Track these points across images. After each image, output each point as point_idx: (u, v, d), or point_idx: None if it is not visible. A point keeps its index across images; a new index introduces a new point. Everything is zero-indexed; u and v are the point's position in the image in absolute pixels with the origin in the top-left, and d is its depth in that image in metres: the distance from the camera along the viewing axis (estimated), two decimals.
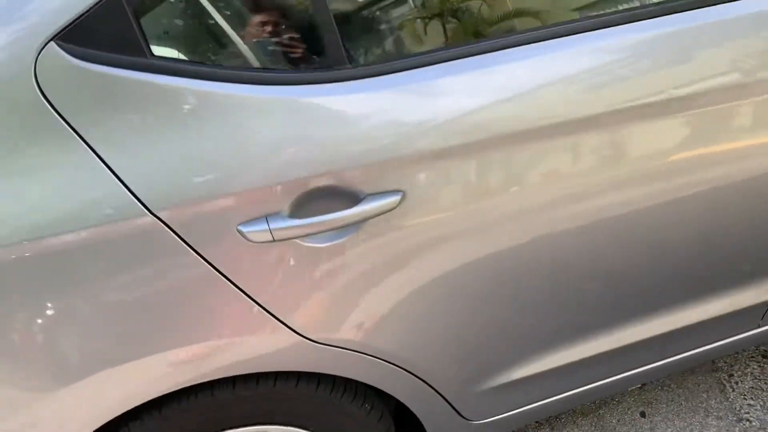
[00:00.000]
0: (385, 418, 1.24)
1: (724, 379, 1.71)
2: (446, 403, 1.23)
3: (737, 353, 1.73)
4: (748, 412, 1.59)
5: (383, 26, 1.30)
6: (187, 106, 0.90)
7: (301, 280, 0.98)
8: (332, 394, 1.13)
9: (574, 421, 1.68)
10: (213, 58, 1.02)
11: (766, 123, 1.11)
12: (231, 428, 1.11)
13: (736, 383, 1.69)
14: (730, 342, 1.43)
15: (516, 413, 1.34)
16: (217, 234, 0.92)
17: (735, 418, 1.58)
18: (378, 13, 1.29)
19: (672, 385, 1.72)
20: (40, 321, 0.89)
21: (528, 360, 1.25)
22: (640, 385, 1.74)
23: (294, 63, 1.00)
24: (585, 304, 1.21)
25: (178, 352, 0.96)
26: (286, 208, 0.93)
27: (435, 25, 1.23)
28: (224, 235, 0.92)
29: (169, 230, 0.89)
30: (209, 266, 0.92)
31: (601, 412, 1.70)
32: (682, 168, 1.10)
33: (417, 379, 1.15)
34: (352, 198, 0.95)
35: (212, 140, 0.89)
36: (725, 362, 1.75)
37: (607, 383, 1.37)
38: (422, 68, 0.97)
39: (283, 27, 1.01)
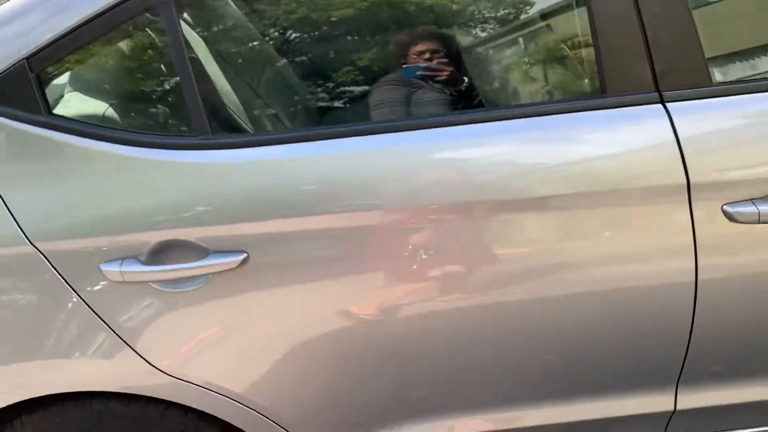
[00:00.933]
0: None
1: None
2: None
3: None
4: None
5: None
6: (72, 159, 1.07)
7: (153, 318, 1.11)
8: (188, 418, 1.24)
9: None
10: (104, 119, 1.20)
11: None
12: None
13: None
14: None
15: None
16: (83, 268, 1.08)
17: None
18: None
19: None
20: None
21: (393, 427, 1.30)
22: None
23: (163, 127, 1.15)
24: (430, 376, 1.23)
25: (45, 362, 1.12)
26: (143, 254, 1.07)
27: None
28: (89, 270, 1.08)
29: (45, 259, 1.06)
30: (75, 294, 1.08)
31: None
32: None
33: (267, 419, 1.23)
34: (201, 253, 1.08)
35: (92, 190, 1.06)
36: None
37: None
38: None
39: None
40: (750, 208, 1.07)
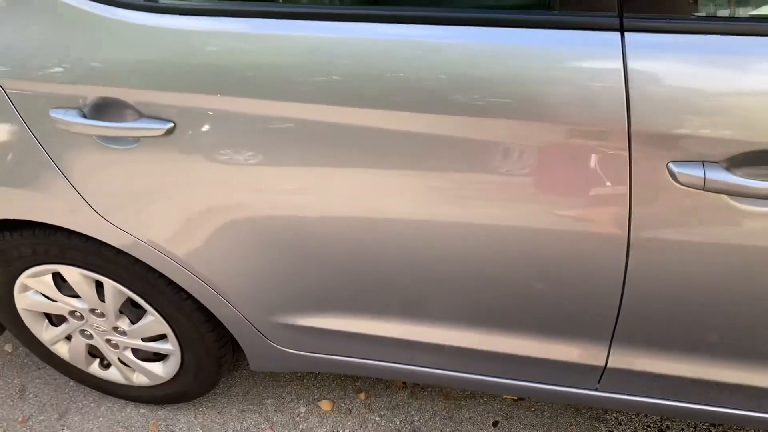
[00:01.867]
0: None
1: (593, 426, 1.59)
2: (247, 323, 1.39)
3: (633, 416, 1.58)
4: None
5: None
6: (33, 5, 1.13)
7: (97, 170, 1.20)
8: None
9: (434, 398, 1.70)
10: None
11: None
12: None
13: None
14: (564, 391, 1.35)
15: (321, 357, 1.46)
16: (38, 110, 1.16)
17: None
18: None
19: (545, 414, 1.65)
20: None
21: (324, 313, 1.34)
22: (516, 398, 1.69)
23: None
24: (367, 279, 1.24)
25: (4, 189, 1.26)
26: (86, 107, 1.13)
27: None
28: (42, 113, 1.16)
29: (3, 91, 1.16)
30: (30, 132, 1.18)
31: (463, 403, 1.69)
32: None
33: (203, 284, 1.32)
34: (135, 115, 1.12)
35: (47, 37, 1.12)
36: (615, 418, 1.62)
37: (413, 371, 1.41)
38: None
39: None
40: (696, 171, 0.92)
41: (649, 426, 1.59)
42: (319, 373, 1.81)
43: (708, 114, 0.90)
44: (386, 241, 1.15)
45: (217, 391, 1.80)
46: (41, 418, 1.78)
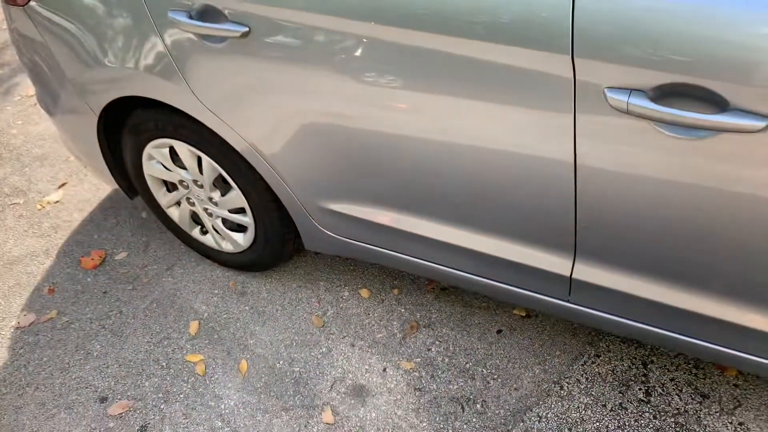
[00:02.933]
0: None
1: (586, 353, 1.76)
2: (299, 205, 1.75)
3: (623, 346, 1.75)
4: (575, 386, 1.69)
5: None
6: None
7: (197, 63, 1.58)
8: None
9: (453, 304, 1.93)
10: None
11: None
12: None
13: (592, 362, 1.74)
14: (538, 299, 1.56)
15: (355, 243, 1.78)
16: (160, 11, 1.57)
17: (558, 386, 1.70)
18: None
19: (545, 332, 1.85)
20: None
21: (367, 205, 1.66)
22: (524, 314, 1.90)
23: None
24: (422, 187, 1.50)
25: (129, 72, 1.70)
26: (192, 11, 1.52)
27: None
28: (163, 13, 1.57)
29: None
30: (155, 28, 1.60)
31: (477, 311, 1.94)
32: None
33: (268, 167, 1.68)
34: (221, 17, 1.48)
35: None
36: (606, 346, 1.78)
37: (437, 270, 1.69)
38: None
39: None
40: (623, 97, 1.10)
41: (634, 358, 1.74)
42: (366, 267, 2.14)
43: (638, 44, 1.06)
44: (424, 155, 1.42)
45: (285, 269, 2.20)
46: (155, 267, 2.30)
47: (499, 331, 1.87)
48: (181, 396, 1.85)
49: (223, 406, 1.81)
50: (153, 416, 1.81)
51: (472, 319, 1.92)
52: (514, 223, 1.44)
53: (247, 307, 2.09)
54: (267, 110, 1.56)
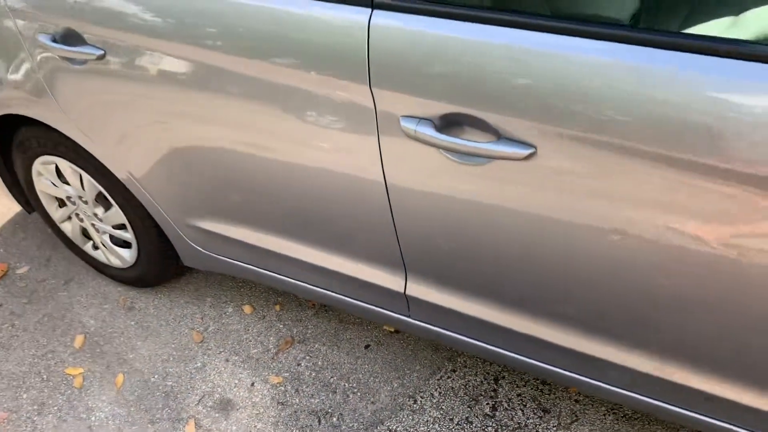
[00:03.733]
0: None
1: (444, 368, 1.83)
2: (169, 222, 1.80)
3: (479, 362, 1.81)
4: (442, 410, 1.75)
5: None
6: None
7: (61, 81, 1.65)
8: None
9: (330, 320, 1.98)
10: None
11: None
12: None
13: (448, 376, 1.80)
14: (385, 314, 1.63)
15: (224, 260, 1.84)
16: (32, 35, 1.63)
17: (412, 399, 1.76)
18: None
19: (409, 348, 1.91)
20: None
21: (228, 223, 1.72)
22: (393, 330, 1.97)
23: None
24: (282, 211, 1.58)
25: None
26: (58, 33, 1.58)
27: None
28: (35, 37, 1.63)
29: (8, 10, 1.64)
30: (27, 52, 1.66)
31: (350, 327, 1.99)
32: None
33: (136, 183, 1.74)
34: (82, 41, 1.55)
35: None
36: (464, 362, 1.84)
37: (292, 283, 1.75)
38: None
39: None
40: (412, 125, 1.17)
41: (487, 373, 1.80)
42: (253, 284, 2.19)
43: (425, 77, 1.14)
44: (264, 176, 1.49)
45: (176, 285, 2.24)
46: (53, 281, 2.33)
47: (367, 346, 1.93)
48: (55, 408, 1.88)
49: (93, 419, 1.84)
50: (25, 428, 1.84)
51: (345, 334, 1.98)
52: (349, 240, 1.51)
53: (132, 322, 2.13)
54: (129, 131, 1.63)
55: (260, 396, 1.84)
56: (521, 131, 1.09)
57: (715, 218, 1.01)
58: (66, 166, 1.94)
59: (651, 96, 0.97)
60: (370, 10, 1.17)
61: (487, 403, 1.72)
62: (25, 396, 1.93)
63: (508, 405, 1.71)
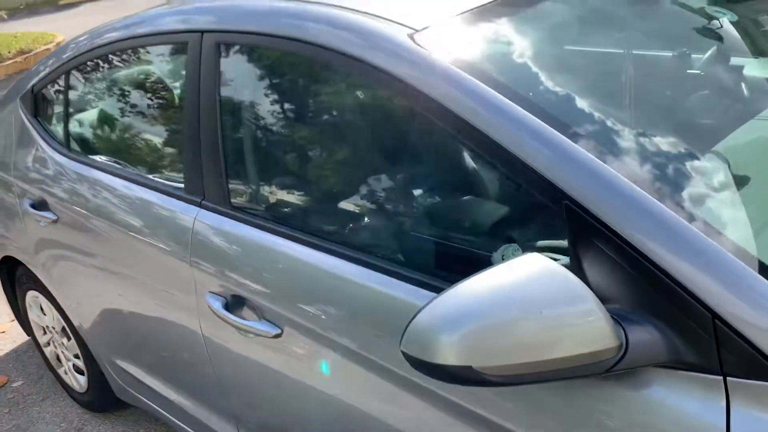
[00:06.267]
0: None
1: None
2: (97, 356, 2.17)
3: None
4: None
5: None
6: None
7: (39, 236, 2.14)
8: None
9: None
10: None
11: None
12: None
13: None
14: None
15: (136, 396, 2.15)
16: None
17: None
18: None
19: None
20: None
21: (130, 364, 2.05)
22: None
23: None
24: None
25: None
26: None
27: None
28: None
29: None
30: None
31: None
32: None
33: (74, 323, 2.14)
34: None
35: None
36: None
37: None
38: None
39: None
40: (211, 302, 1.48)
41: None
42: None
43: (222, 266, 1.46)
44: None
45: (122, 414, 2.56)
46: (35, 396, 2.74)
47: None
48: None
49: None
50: None
51: None
52: (201, 390, 1.78)
53: None
54: (69, 279, 2.06)
55: None
56: (273, 315, 1.36)
57: None
58: (43, 300, 2.40)
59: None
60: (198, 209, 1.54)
61: None
62: None
63: None
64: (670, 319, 0.87)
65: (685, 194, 0.97)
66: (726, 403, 0.84)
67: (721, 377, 0.84)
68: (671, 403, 0.87)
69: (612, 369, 0.85)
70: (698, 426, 0.84)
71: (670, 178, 1.00)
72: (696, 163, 1.09)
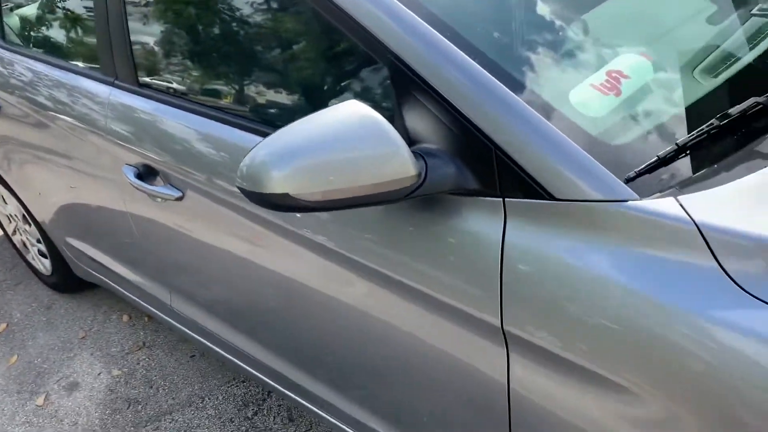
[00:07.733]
0: None
1: (237, 378, 2.20)
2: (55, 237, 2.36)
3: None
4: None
5: None
6: None
7: None
8: None
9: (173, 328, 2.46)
10: None
11: None
12: None
13: (236, 385, 2.17)
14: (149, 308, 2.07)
15: (91, 273, 2.36)
16: None
17: (200, 399, 2.13)
18: None
19: (220, 362, 2.30)
20: None
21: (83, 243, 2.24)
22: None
23: None
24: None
25: None
26: None
27: None
28: None
29: None
30: None
31: (185, 340, 2.43)
32: None
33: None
34: None
35: None
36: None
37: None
38: None
39: None
40: (126, 173, 1.64)
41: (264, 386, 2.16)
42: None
43: (136, 135, 1.61)
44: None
45: (87, 294, 2.79)
46: (9, 282, 2.97)
47: (192, 356, 2.35)
48: None
49: None
50: None
51: (180, 345, 2.41)
52: (137, 260, 1.97)
53: (44, 318, 2.69)
54: (17, 166, 2.21)
55: (100, 383, 2.30)
56: (175, 180, 1.53)
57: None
58: (4, 190, 2.57)
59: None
60: (111, 88, 1.68)
61: (252, 409, 2.08)
62: None
63: (267, 413, 2.05)
64: (464, 154, 1.02)
65: (489, 48, 1.10)
66: (503, 219, 1.01)
67: (501, 199, 1.01)
68: (463, 223, 1.04)
69: (411, 195, 1.01)
70: (481, 236, 1.02)
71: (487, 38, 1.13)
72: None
